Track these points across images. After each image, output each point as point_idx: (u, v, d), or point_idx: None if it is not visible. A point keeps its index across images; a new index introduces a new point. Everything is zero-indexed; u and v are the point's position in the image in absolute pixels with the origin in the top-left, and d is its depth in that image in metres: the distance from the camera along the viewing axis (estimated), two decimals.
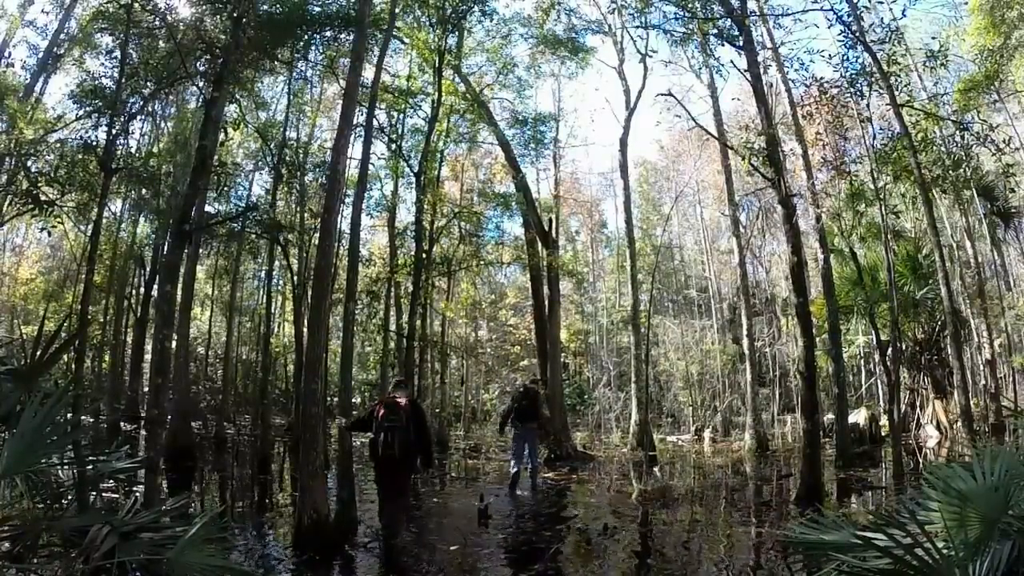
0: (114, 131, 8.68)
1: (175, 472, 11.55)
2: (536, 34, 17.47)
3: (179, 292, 12.73)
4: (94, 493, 3.97)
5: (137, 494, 5.11)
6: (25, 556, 3.19)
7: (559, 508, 9.49)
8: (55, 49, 15.25)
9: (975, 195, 16.06)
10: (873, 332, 13.19)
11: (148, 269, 18.96)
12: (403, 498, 7.55)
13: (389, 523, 7.19)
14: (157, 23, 9.42)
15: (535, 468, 10.69)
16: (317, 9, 11.01)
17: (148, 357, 16.17)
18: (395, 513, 7.25)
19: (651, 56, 14.99)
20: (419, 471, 8.28)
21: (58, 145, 11.79)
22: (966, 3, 14.89)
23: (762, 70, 10.20)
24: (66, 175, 10.24)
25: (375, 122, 12.14)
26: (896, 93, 10.07)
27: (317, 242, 9.70)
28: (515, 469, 10.25)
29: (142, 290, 19.42)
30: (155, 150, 16.65)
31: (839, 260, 15.18)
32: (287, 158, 14.79)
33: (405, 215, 18.20)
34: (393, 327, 15.42)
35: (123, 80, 8.77)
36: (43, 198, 9.45)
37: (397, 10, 11.77)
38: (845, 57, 10.05)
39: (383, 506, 7.35)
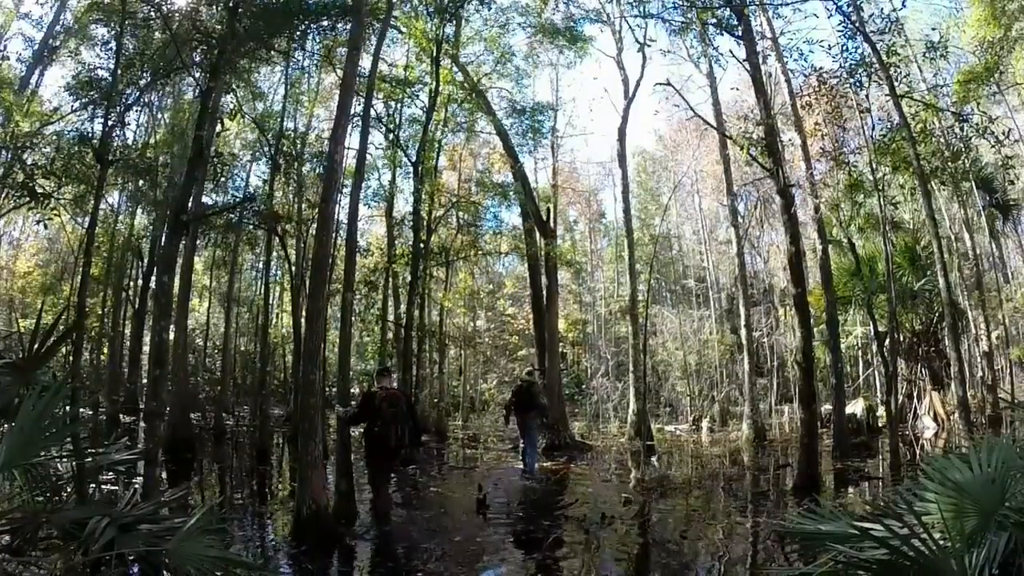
0: (110, 123, 8.60)
1: (174, 464, 11.57)
2: (534, 23, 17.37)
3: (177, 283, 12.72)
4: (93, 485, 3.98)
5: (136, 486, 5.11)
6: (25, 549, 3.20)
7: (557, 497, 9.53)
8: (50, 41, 15.14)
9: (974, 187, 16.04)
10: (871, 323, 13.22)
11: (146, 261, 18.88)
12: (389, 484, 8.03)
13: (384, 508, 7.51)
14: (153, 14, 9.34)
15: (532, 456, 11.09)
16: None
17: (146, 349, 16.16)
18: (388, 498, 7.72)
19: (649, 45, 14.82)
20: (414, 458, 8.57)
21: (54, 137, 11.75)
22: None
23: (761, 60, 10.17)
24: (63, 167, 10.20)
25: (373, 112, 12.09)
26: (895, 84, 10.01)
27: (315, 232, 9.70)
28: (523, 445, 11.23)
29: (140, 282, 19.35)
30: (152, 141, 16.55)
31: (837, 251, 15.18)
32: (284, 148, 14.72)
33: (403, 205, 18.20)
34: (391, 317, 15.43)
35: (119, 71, 8.68)
36: (40, 191, 9.40)
37: None
38: (844, 47, 10.00)
39: (377, 494, 7.61)
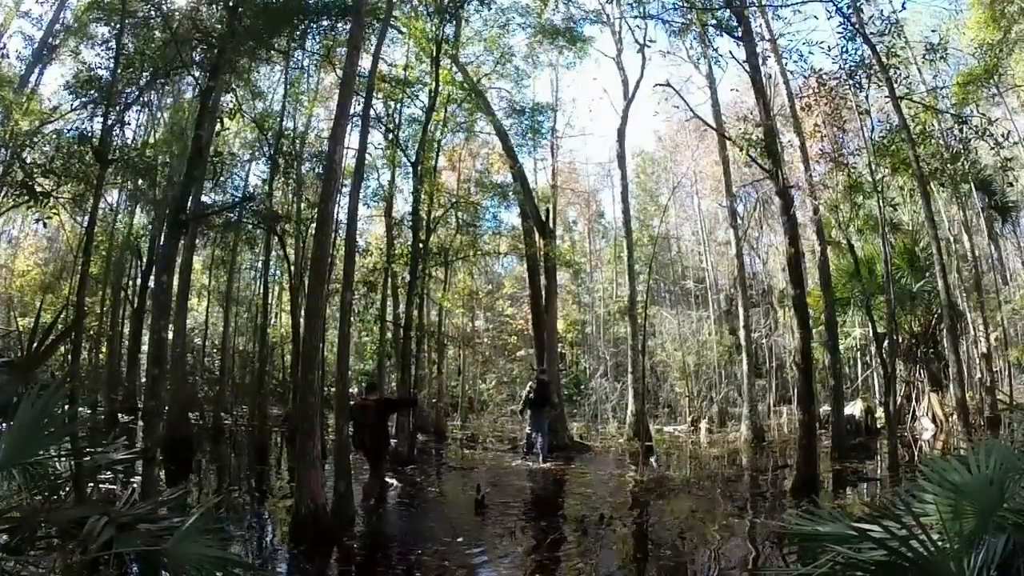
0: (110, 122, 8.60)
1: (173, 463, 11.56)
2: (534, 23, 17.34)
3: (176, 283, 12.69)
4: (91, 485, 3.97)
5: (134, 485, 5.12)
6: (22, 548, 3.19)
7: (556, 498, 9.54)
8: (50, 40, 15.09)
9: (973, 189, 16.04)
10: (870, 324, 13.21)
11: (145, 260, 18.87)
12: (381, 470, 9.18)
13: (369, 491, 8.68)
14: (153, 13, 9.35)
15: (539, 444, 12.64)
16: None
17: (145, 348, 16.14)
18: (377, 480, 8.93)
19: (649, 46, 14.91)
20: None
21: (54, 136, 11.69)
22: None
23: (761, 61, 10.17)
24: (62, 166, 10.17)
25: (372, 112, 12.04)
26: (895, 86, 10.03)
27: (314, 232, 9.70)
28: (532, 439, 12.92)
29: (139, 281, 19.33)
30: (151, 140, 16.52)
31: (836, 252, 15.18)
32: (284, 148, 14.68)
33: (402, 205, 18.17)
34: (390, 317, 15.40)
35: (119, 70, 8.67)
36: (39, 189, 9.40)
37: None
38: (844, 49, 9.99)
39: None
